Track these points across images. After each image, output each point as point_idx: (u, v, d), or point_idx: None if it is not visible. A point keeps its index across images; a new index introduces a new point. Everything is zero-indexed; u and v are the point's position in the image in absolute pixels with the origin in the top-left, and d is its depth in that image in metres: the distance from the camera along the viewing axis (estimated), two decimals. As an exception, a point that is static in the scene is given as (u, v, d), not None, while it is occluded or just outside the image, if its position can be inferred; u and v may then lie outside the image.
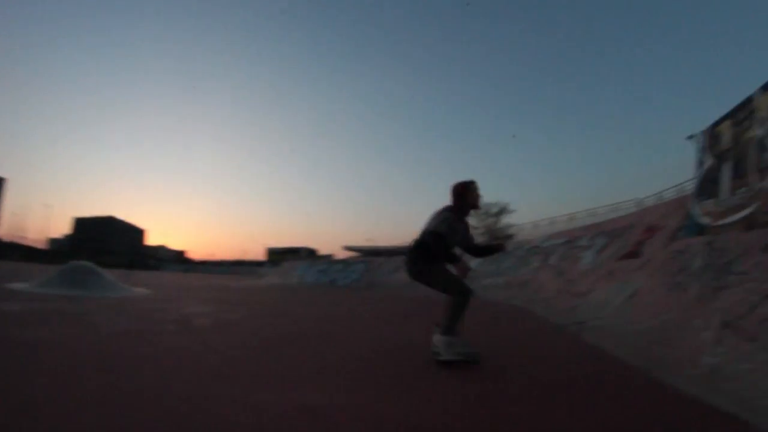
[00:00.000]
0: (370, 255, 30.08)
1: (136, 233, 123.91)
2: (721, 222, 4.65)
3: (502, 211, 32.45)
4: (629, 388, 2.85)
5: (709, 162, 5.18)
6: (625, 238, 8.11)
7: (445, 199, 3.82)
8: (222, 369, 3.07)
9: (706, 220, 4.99)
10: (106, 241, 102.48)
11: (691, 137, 5.76)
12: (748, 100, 4.42)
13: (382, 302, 10.46)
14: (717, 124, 5.11)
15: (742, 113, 4.55)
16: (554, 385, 2.93)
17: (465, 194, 3.69)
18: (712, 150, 5.17)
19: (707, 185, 5.10)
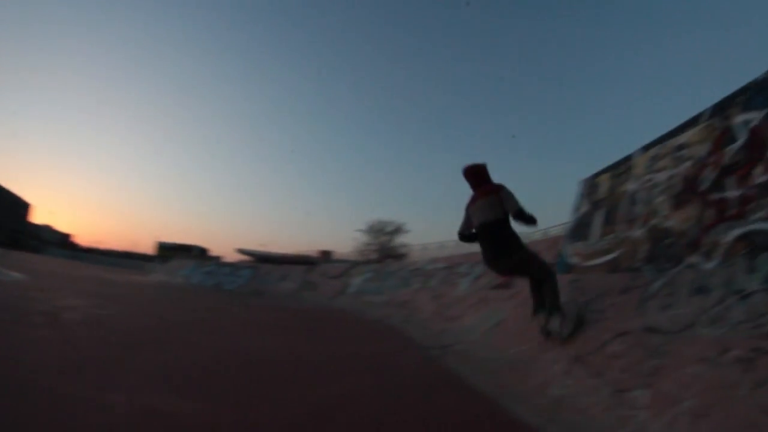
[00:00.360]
0: (262, 260, 29.37)
1: (22, 208, 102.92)
2: (588, 263, 5.00)
3: (397, 230, 33.27)
4: (471, 414, 3.00)
5: (585, 208, 5.58)
6: None
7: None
8: (80, 366, 3.09)
9: (575, 260, 5.35)
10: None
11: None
12: (628, 158, 4.82)
13: (264, 311, 10.20)
14: (597, 175, 5.55)
15: (620, 168, 4.97)
16: (397, 407, 3.01)
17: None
18: (589, 197, 5.59)
19: (580, 228, 5.49)
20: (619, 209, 4.76)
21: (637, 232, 4.22)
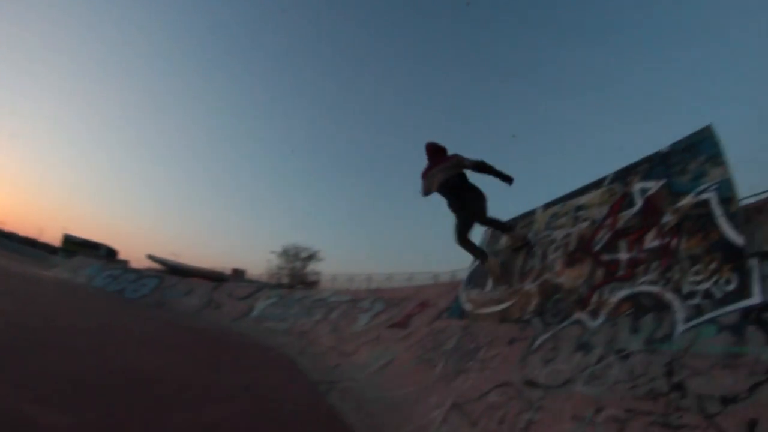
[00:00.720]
0: (172, 270, 28.07)
1: None
2: (480, 311, 5.00)
3: (312, 257, 32.77)
4: None
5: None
6: (400, 308, 8.51)
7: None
8: None
9: (468, 307, 5.33)
10: None
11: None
12: (531, 213, 4.97)
13: (162, 327, 9.50)
14: (500, 226, 5.64)
15: (522, 222, 5.10)
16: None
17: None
18: (489, 247, 5.67)
19: (477, 276, 5.57)
20: (515, 261, 4.84)
21: (530, 286, 4.29)
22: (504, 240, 5.14)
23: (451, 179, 4.54)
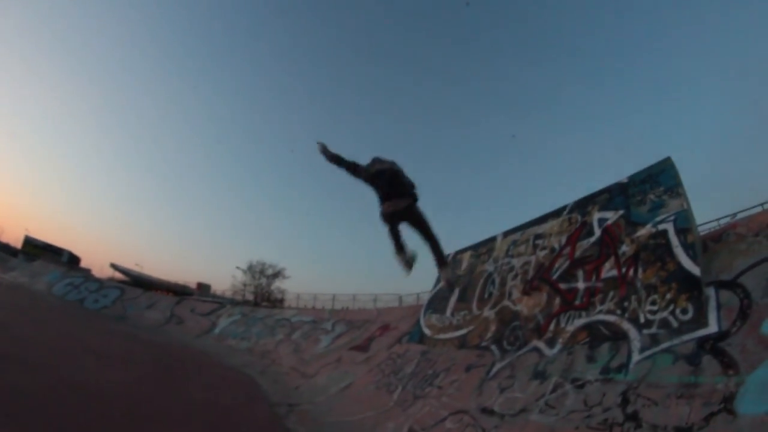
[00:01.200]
0: (135, 281, 26.97)
1: None
2: (439, 336, 4.98)
3: (277, 274, 32.17)
4: None
5: (444, 282, 5.66)
6: (362, 330, 8.50)
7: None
8: None
9: (428, 332, 5.30)
10: None
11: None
12: (491, 240, 5.01)
13: (123, 341, 9.00)
14: (461, 251, 5.71)
15: (482, 248, 5.16)
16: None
17: None
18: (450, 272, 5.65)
19: (437, 301, 5.59)
20: (474, 287, 4.88)
21: (488, 312, 4.31)
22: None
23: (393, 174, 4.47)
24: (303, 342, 10.39)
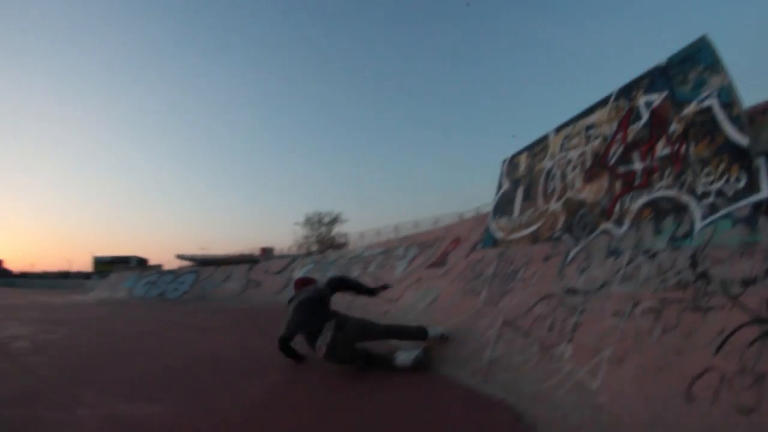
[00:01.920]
0: (203, 264, 28.24)
1: None
2: (511, 236, 5.36)
3: (335, 220, 33.23)
4: (412, 380, 3.52)
5: (506, 186, 5.94)
6: (435, 248, 8.80)
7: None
8: (40, 390, 3.28)
9: (499, 234, 5.68)
10: None
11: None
12: (544, 138, 5.18)
13: (211, 315, 10.21)
14: (516, 155, 5.90)
15: (537, 148, 5.33)
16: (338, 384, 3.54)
17: None
18: (509, 176, 5.94)
19: (503, 205, 5.85)
20: (537, 185, 5.13)
21: (554, 206, 4.59)
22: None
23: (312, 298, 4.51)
24: (379, 272, 10.63)
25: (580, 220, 4.01)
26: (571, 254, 3.84)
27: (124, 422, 2.47)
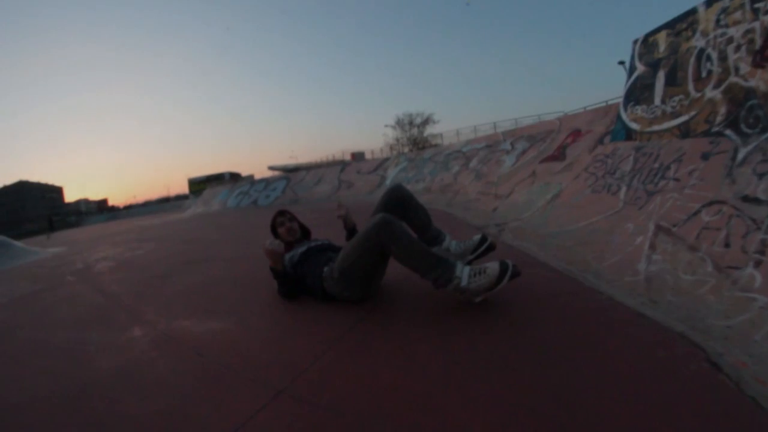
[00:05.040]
0: (294, 171, 28.68)
1: (53, 192, 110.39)
2: (651, 128, 4.95)
3: (427, 121, 32.37)
4: (561, 293, 2.64)
5: (641, 70, 5.38)
6: (549, 142, 8.23)
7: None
8: (103, 311, 3.35)
9: (635, 126, 5.28)
10: (20, 210, 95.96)
11: (621, 63, 5.92)
12: (690, 13, 4.52)
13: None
14: (652, 33, 5.25)
15: (681, 24, 4.68)
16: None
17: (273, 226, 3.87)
18: (644, 59, 5.35)
19: (638, 92, 5.33)
20: (686, 68, 4.53)
21: (712, 93, 4.05)
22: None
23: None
24: (483, 167, 10.02)
25: (748, 113, 3.52)
26: (741, 154, 3.39)
27: (175, 341, 2.38)
